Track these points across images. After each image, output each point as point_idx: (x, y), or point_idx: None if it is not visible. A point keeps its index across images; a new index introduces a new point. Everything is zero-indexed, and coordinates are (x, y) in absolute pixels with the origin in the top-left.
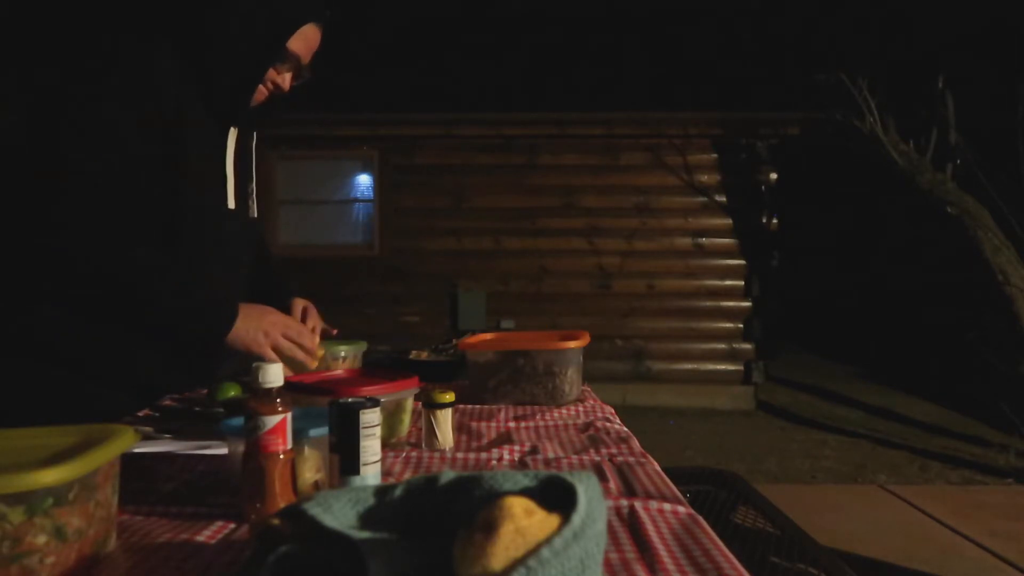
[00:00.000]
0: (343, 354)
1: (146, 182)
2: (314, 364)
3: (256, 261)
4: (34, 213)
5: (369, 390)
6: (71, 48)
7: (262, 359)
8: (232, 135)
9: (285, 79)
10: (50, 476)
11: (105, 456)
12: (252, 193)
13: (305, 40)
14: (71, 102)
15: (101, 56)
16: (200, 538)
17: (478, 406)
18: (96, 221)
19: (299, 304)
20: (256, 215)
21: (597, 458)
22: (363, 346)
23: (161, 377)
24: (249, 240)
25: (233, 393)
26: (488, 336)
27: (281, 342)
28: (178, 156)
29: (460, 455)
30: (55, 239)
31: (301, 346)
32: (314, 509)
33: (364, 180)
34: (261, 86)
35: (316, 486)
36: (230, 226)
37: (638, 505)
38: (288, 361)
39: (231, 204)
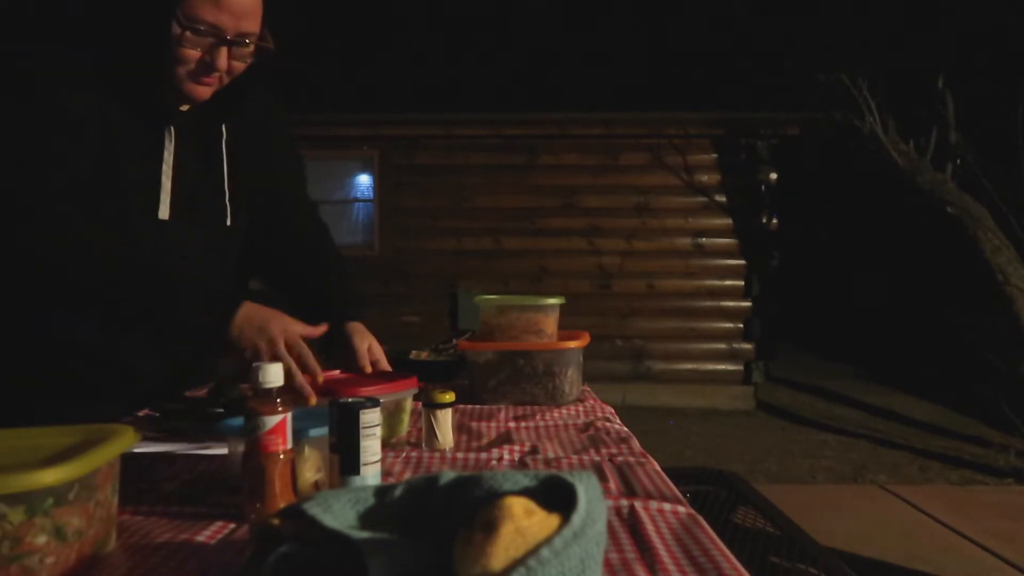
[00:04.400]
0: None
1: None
2: (312, 401)
3: (248, 272)
4: None
5: (369, 390)
6: None
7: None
8: (170, 138)
9: (216, 55)
10: (50, 476)
11: (105, 456)
12: (224, 198)
13: (215, 4)
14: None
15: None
16: (200, 538)
17: (478, 406)
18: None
19: (364, 338)
20: (231, 223)
21: (597, 458)
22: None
23: (150, 384)
24: (200, 254)
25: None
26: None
27: (282, 351)
28: (91, 167)
29: (460, 455)
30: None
31: (305, 366)
32: (314, 509)
33: (364, 180)
34: (192, 71)
35: (316, 486)
36: (162, 236)
37: (638, 505)
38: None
39: (164, 213)
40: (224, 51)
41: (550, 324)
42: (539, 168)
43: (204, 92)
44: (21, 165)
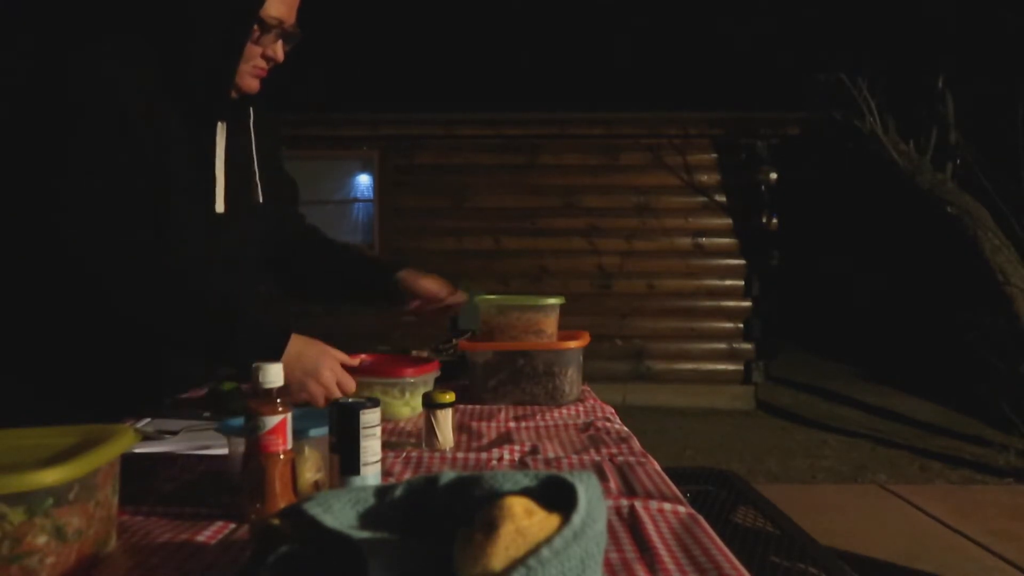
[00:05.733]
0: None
1: (138, 189)
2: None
3: (288, 247)
4: (32, 219)
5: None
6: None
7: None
8: (221, 131)
9: (277, 49)
10: (50, 476)
11: (105, 456)
12: (255, 178)
13: (284, 0)
14: (56, 112)
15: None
16: (200, 538)
17: (478, 406)
18: (97, 227)
19: (424, 278)
20: (262, 200)
21: (597, 458)
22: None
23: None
24: (251, 238)
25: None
26: None
27: (333, 393)
28: (158, 163)
29: (460, 455)
30: (57, 248)
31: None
32: (314, 509)
33: (364, 180)
34: (255, 65)
35: (316, 486)
36: (220, 232)
37: (638, 505)
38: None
39: (220, 208)
40: (281, 44)
41: (550, 324)
42: (539, 168)
43: (257, 85)
44: (125, 178)
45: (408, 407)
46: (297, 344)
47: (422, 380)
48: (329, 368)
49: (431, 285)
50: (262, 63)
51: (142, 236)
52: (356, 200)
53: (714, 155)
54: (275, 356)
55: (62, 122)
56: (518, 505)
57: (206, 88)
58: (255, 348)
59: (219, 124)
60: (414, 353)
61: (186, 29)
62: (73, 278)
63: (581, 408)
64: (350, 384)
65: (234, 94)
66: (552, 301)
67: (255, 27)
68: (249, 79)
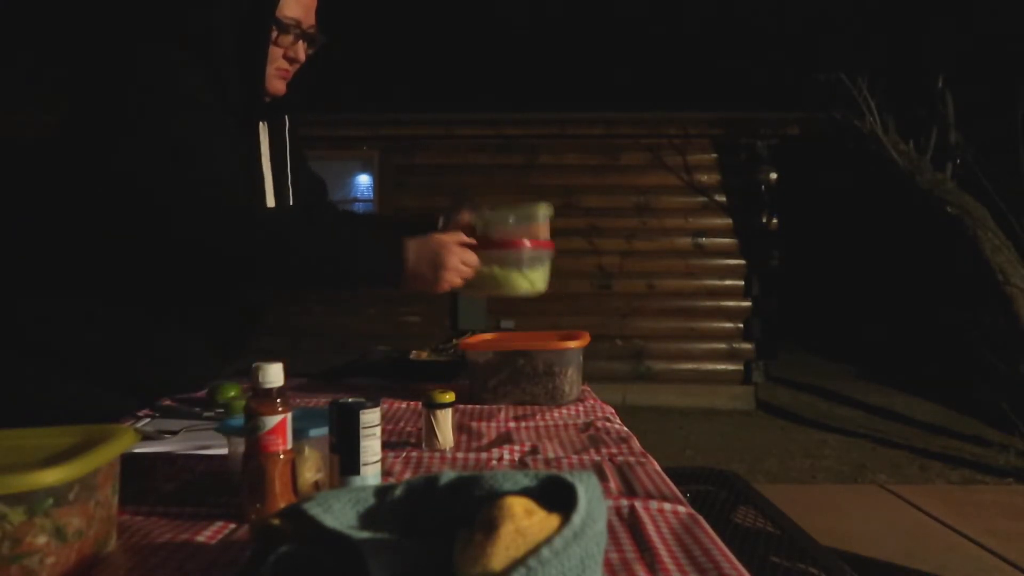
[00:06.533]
0: (511, 220)
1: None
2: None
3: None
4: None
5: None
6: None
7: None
8: (264, 131)
9: (297, 49)
10: (50, 476)
11: (105, 456)
12: (287, 182)
13: (298, 2)
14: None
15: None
16: (200, 538)
17: (478, 406)
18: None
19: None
20: (292, 202)
21: (597, 458)
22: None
23: (166, 373)
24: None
25: (233, 393)
26: (488, 336)
27: (464, 273)
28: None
29: (460, 455)
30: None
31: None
32: (314, 509)
33: (364, 180)
34: (279, 67)
35: (316, 486)
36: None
37: (638, 505)
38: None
39: (270, 203)
40: (302, 45)
41: (542, 231)
42: (539, 168)
43: (283, 87)
44: (182, 170)
45: (527, 280)
46: (413, 246)
47: (541, 255)
48: (452, 253)
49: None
50: (285, 64)
51: (227, 183)
52: (356, 200)
53: (714, 155)
54: (398, 263)
55: (132, 102)
56: (518, 505)
57: (241, 89)
58: (377, 258)
59: (262, 125)
60: (413, 354)
61: (212, 34)
62: (158, 235)
63: (581, 408)
64: (473, 259)
65: (269, 97)
66: (542, 209)
67: (272, 28)
68: (275, 81)
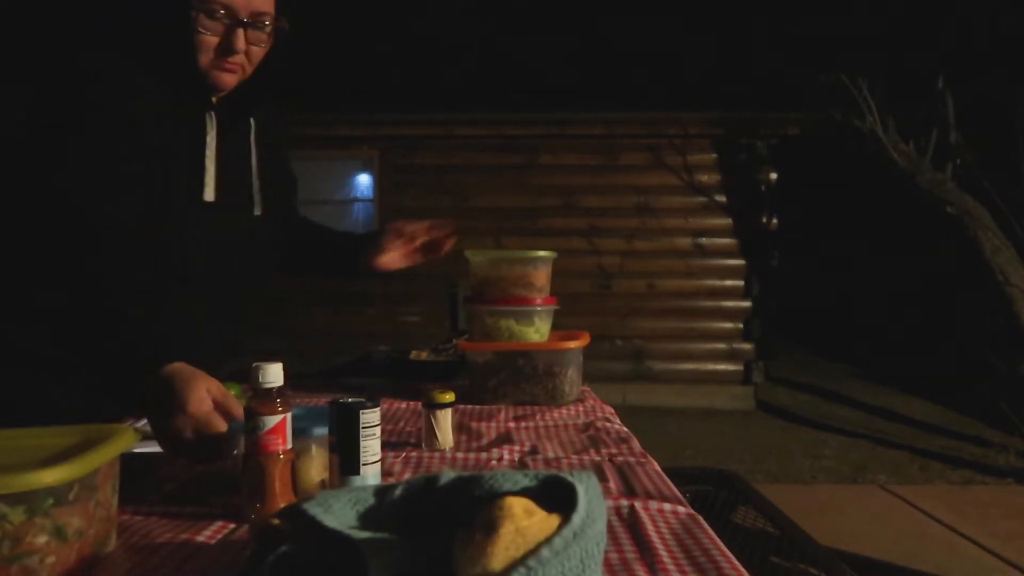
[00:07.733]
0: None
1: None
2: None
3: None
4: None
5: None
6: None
7: None
8: (211, 124)
9: (233, 39)
10: (50, 476)
11: (105, 456)
12: (252, 188)
13: None
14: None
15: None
16: (200, 538)
17: (478, 406)
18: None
19: (394, 229)
20: (261, 213)
21: (597, 458)
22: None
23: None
24: (247, 238)
25: (233, 393)
26: None
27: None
28: (156, 147)
29: (460, 455)
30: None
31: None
32: (314, 509)
33: (364, 180)
34: (222, 59)
35: (322, 486)
36: (205, 219)
37: (638, 505)
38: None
39: (209, 197)
40: (241, 33)
41: (540, 277)
42: (539, 168)
43: (228, 79)
44: (92, 163)
45: (538, 333)
46: (178, 372)
47: (548, 309)
48: (193, 410)
49: (408, 224)
50: (223, 54)
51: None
52: (356, 200)
53: (714, 155)
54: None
55: (75, 119)
56: (518, 505)
57: (174, 80)
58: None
59: (209, 118)
60: (413, 354)
61: (140, 26)
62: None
63: (581, 408)
64: (219, 423)
65: (215, 93)
66: (542, 254)
67: (195, 14)
68: (216, 72)
